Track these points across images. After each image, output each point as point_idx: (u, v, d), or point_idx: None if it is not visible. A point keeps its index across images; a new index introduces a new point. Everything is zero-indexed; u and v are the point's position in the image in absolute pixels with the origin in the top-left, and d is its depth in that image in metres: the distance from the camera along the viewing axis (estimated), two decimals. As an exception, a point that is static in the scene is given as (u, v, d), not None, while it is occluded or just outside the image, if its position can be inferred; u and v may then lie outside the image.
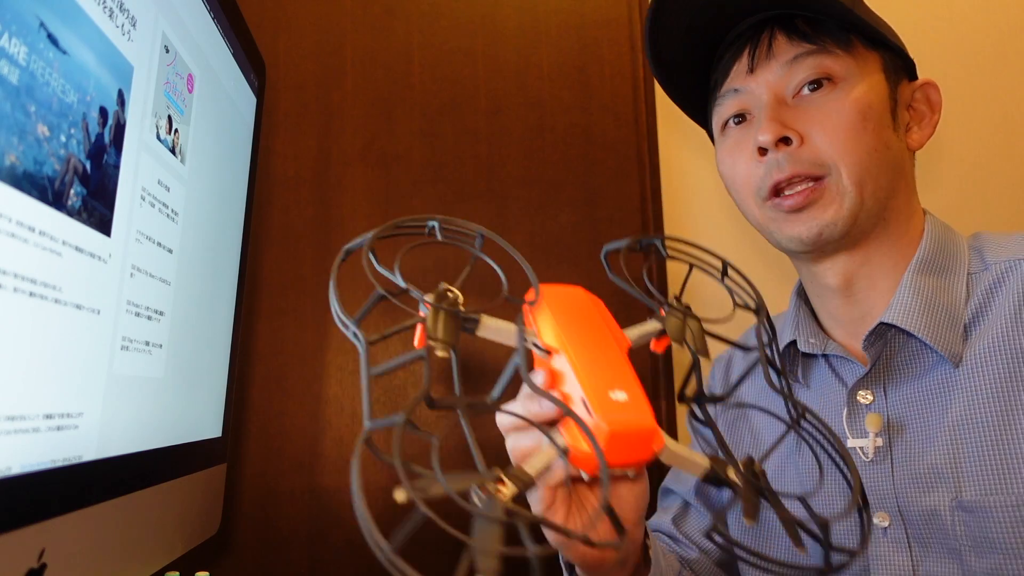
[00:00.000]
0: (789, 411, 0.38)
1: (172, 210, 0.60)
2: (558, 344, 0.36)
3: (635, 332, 0.40)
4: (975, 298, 0.57)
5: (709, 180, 1.12)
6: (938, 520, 0.53)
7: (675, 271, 1.08)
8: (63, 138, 0.42)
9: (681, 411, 1.04)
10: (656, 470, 0.46)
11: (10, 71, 0.37)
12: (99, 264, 0.47)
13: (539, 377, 0.37)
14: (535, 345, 0.37)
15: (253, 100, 0.85)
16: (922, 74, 0.64)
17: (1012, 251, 0.58)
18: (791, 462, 0.65)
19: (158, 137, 0.56)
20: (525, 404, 0.42)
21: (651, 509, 0.66)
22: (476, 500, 0.26)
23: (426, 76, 1.08)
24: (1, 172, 0.36)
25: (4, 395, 0.38)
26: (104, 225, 0.48)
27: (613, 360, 0.36)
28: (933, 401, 0.56)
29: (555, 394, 0.36)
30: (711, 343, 0.40)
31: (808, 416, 0.37)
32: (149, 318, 0.56)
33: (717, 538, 0.31)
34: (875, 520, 0.56)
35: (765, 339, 0.39)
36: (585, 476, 0.43)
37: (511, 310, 0.37)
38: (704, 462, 0.35)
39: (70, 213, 0.43)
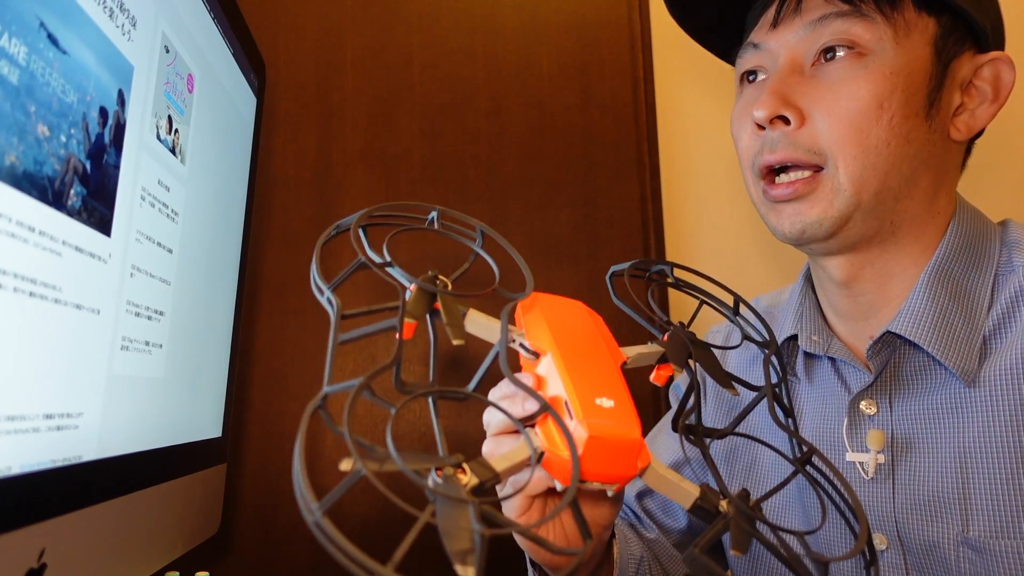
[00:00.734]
0: (794, 450, 0.36)
1: (172, 210, 0.60)
2: (547, 347, 0.34)
3: (634, 351, 0.38)
4: (999, 305, 0.51)
5: (709, 181, 1.12)
6: (940, 552, 0.49)
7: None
8: (63, 138, 0.42)
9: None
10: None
11: (10, 71, 0.37)
12: (99, 264, 0.47)
13: (524, 379, 0.35)
14: (522, 346, 0.36)
15: (253, 100, 0.85)
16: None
17: None
18: (794, 498, 0.60)
19: (158, 137, 0.56)
20: (505, 404, 0.39)
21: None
22: (431, 483, 0.25)
23: (426, 76, 1.08)
24: (1, 172, 0.36)
25: (4, 395, 0.37)
26: (104, 225, 0.48)
27: (604, 369, 0.34)
28: (943, 420, 0.51)
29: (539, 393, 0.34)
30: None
31: (816, 460, 0.35)
32: (149, 318, 0.56)
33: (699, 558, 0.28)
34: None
35: (774, 379, 0.38)
36: (559, 486, 0.36)
37: (503, 306, 0.36)
38: (694, 490, 0.33)
39: (70, 213, 0.43)
